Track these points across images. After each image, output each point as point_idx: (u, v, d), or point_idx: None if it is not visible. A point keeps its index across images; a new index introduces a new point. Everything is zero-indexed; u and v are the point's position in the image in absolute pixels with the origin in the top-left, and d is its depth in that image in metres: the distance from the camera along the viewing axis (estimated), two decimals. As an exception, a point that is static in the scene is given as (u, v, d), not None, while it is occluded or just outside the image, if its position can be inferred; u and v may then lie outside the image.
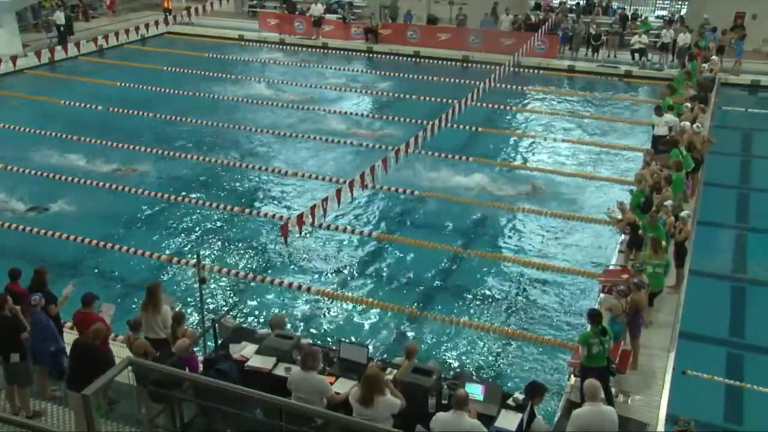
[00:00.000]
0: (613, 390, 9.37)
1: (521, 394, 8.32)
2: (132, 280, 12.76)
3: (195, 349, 8.99)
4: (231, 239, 14.43)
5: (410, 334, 11.55)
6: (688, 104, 17.83)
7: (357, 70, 26.64)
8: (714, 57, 23.12)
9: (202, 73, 25.49)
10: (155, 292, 9.28)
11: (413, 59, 28.03)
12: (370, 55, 28.53)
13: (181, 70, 25.76)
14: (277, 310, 11.97)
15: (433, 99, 22.35)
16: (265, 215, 15.27)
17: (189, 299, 12.17)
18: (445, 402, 7.93)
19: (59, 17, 28.09)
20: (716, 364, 11.07)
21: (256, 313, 12.07)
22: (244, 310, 12.15)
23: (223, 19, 32.41)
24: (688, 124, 16.11)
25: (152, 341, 9.05)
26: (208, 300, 11.99)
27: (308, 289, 12.58)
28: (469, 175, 17.10)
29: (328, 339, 11.17)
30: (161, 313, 9.26)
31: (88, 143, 18.87)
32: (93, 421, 5.45)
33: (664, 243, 11.42)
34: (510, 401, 8.21)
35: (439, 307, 12.29)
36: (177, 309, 9.69)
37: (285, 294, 12.60)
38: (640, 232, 12.29)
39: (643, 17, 28.90)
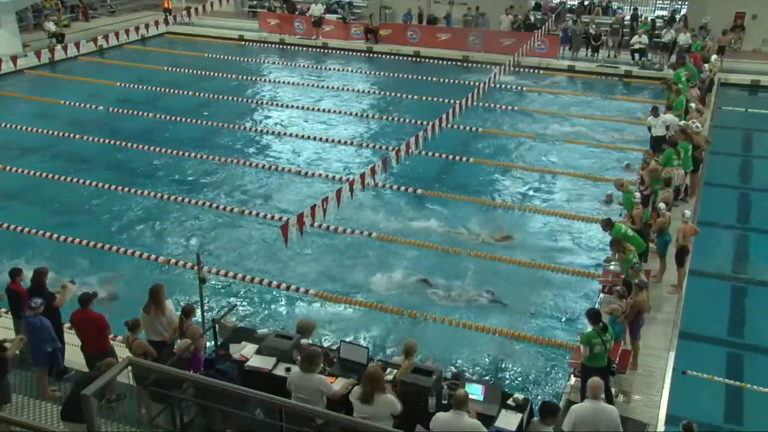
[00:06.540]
0: (613, 390, 9.37)
1: (521, 395, 8.32)
2: (131, 282, 12.73)
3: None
4: (231, 239, 14.41)
5: (410, 334, 11.50)
6: (693, 104, 17.84)
7: (357, 71, 26.61)
8: (714, 56, 23.09)
9: (202, 73, 25.50)
10: (158, 294, 9.27)
11: (413, 59, 28.03)
12: (370, 55, 28.52)
13: (181, 70, 25.75)
14: (277, 311, 12.00)
15: (433, 99, 22.36)
16: (265, 216, 15.25)
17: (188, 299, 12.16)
18: (445, 402, 7.93)
19: (49, 26, 28.26)
20: (716, 364, 11.06)
21: (256, 313, 12.05)
22: (244, 310, 12.14)
23: (223, 19, 32.40)
24: (699, 123, 16.16)
25: (154, 343, 9.04)
26: (209, 300, 11.97)
27: (306, 291, 12.55)
28: (468, 174, 17.03)
29: (328, 339, 11.16)
30: (166, 314, 9.25)
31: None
32: (93, 421, 5.45)
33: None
34: (510, 401, 8.21)
35: (439, 307, 12.26)
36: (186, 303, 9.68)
37: (285, 295, 12.57)
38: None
39: (643, 17, 28.86)
